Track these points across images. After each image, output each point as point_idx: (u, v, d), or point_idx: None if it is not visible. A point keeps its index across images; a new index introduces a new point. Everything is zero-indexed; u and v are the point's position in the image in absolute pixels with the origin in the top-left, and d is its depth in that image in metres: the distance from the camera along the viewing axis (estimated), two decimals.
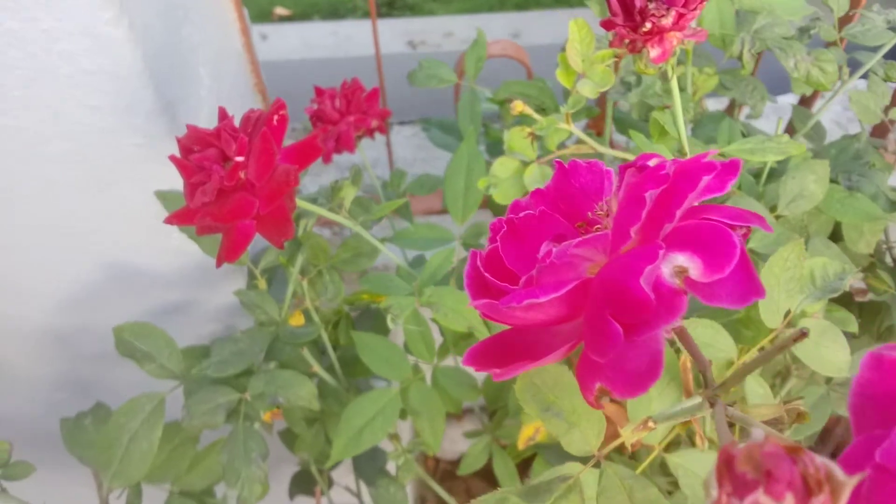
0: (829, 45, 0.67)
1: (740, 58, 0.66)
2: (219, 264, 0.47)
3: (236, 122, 0.47)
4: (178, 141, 0.47)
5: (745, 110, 0.95)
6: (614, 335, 0.21)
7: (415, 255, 0.80)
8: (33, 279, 0.71)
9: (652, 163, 0.24)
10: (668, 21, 0.47)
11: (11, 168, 0.60)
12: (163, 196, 0.63)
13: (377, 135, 0.79)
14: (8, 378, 0.83)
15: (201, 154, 0.46)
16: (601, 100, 0.83)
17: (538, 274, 0.23)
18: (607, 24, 0.52)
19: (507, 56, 0.95)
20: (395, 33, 2.87)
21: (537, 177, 0.55)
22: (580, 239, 0.22)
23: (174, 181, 0.64)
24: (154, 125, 0.58)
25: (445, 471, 1.45)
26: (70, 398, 0.88)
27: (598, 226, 0.26)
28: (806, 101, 0.90)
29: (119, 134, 0.58)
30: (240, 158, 0.45)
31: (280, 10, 2.99)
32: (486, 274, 0.26)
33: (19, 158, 0.59)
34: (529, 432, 0.57)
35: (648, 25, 0.47)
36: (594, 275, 0.23)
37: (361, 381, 0.81)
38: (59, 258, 0.69)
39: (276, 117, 0.47)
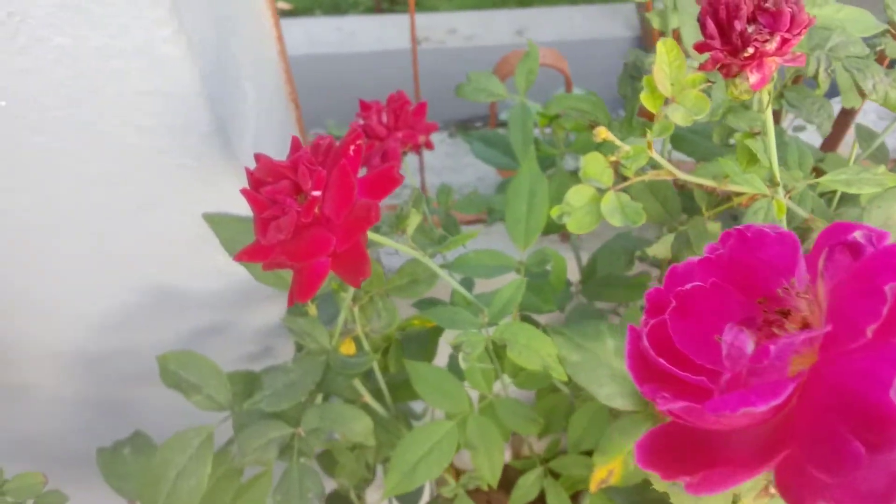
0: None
1: (815, 77, 0.63)
2: (290, 303, 0.44)
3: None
4: (249, 173, 0.44)
5: (789, 120, 0.92)
6: (855, 455, 0.18)
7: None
8: (67, 302, 0.68)
9: (859, 236, 0.21)
10: (771, 46, 0.44)
11: (49, 190, 0.56)
12: (211, 219, 0.60)
13: None
14: (35, 399, 0.80)
15: (274, 187, 0.43)
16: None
17: (748, 375, 0.20)
18: (702, 47, 0.49)
19: (547, 65, 0.92)
20: (399, 29, 2.83)
21: (615, 206, 0.52)
22: (805, 335, 0.19)
23: (221, 203, 0.61)
24: (207, 146, 0.55)
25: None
26: (98, 418, 0.85)
27: (789, 308, 0.23)
28: (846, 114, 0.87)
29: (168, 155, 0.55)
30: (316, 193, 0.42)
31: (281, 5, 2.94)
32: (659, 359, 0.23)
33: (58, 180, 0.56)
34: (602, 474, 0.54)
35: (751, 50, 0.44)
36: (801, 373, 0.20)
37: (402, 405, 0.78)
38: (96, 280, 0.66)
39: (352, 147, 0.43)
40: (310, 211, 0.42)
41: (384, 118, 0.74)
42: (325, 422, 0.59)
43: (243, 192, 0.43)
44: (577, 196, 0.53)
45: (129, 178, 0.56)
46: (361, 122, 0.75)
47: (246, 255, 0.44)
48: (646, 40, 2.66)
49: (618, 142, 0.50)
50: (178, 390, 0.60)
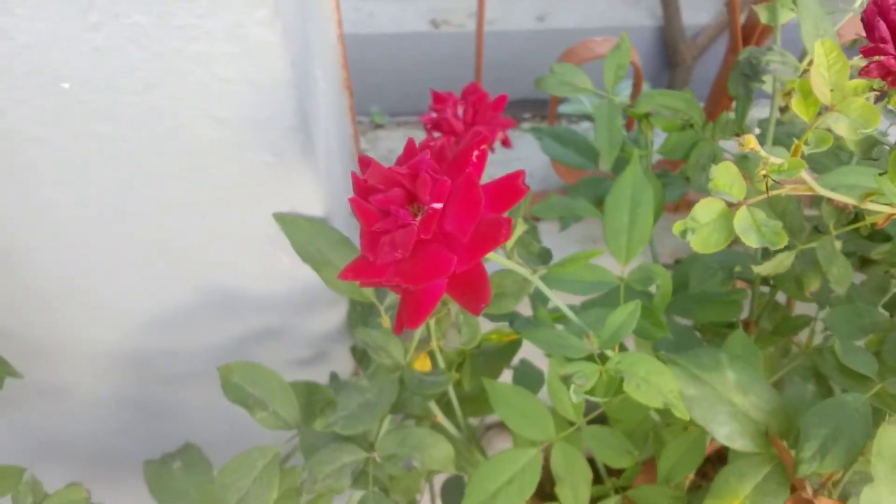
0: None
1: None
2: (398, 329, 0.39)
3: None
4: (356, 180, 0.38)
5: None
6: None
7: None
8: (116, 301, 0.63)
9: None
10: None
11: (111, 184, 0.51)
12: (283, 220, 0.54)
13: None
14: (72, 399, 0.75)
15: (386, 196, 0.37)
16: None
17: None
18: (870, 51, 0.43)
19: None
20: (417, 11, 2.75)
21: (748, 223, 0.46)
22: None
23: (294, 202, 0.55)
24: (288, 141, 0.49)
25: None
26: (136, 419, 0.80)
27: None
28: None
29: (248, 151, 0.49)
30: (437, 205, 0.36)
31: None
32: None
33: (120, 173, 0.50)
34: None
35: None
36: None
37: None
38: (150, 279, 0.60)
39: (475, 153, 0.38)
40: (429, 226, 0.36)
41: (460, 112, 0.68)
42: (403, 448, 0.53)
43: (352, 201, 0.37)
44: (705, 211, 0.47)
45: (201, 174, 0.50)
46: (434, 115, 0.69)
47: (351, 274, 0.38)
48: (667, 30, 2.59)
49: (763, 152, 0.44)
50: (241, 405, 0.54)
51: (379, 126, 1.17)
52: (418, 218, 0.37)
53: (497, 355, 0.67)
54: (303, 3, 0.52)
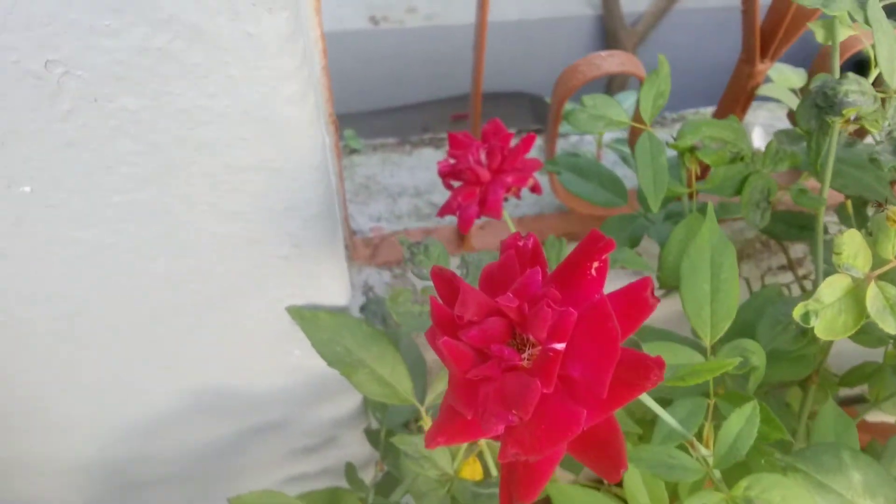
0: None
1: None
2: (505, 502, 0.29)
3: None
4: (436, 308, 0.29)
5: None
6: None
7: None
8: (94, 417, 0.52)
9: None
10: None
11: (92, 296, 0.40)
12: (301, 316, 0.44)
13: None
14: None
15: (483, 330, 0.28)
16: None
17: None
18: None
19: (626, 72, 0.77)
20: (355, 8, 2.64)
21: (881, 303, 0.38)
22: None
23: (313, 294, 0.45)
24: (312, 230, 0.39)
25: None
26: None
27: None
28: None
29: (261, 245, 0.39)
30: (560, 346, 0.27)
31: None
32: None
33: (106, 284, 0.39)
34: None
35: None
36: None
37: None
38: (134, 392, 0.50)
39: (595, 266, 0.28)
40: (551, 374, 0.27)
41: (483, 157, 0.59)
42: None
43: (441, 344, 0.27)
44: (830, 290, 0.39)
45: (205, 274, 0.40)
46: (453, 161, 0.59)
47: (443, 437, 0.29)
48: (607, 19, 2.55)
49: None
50: None
51: (354, 151, 1.07)
52: (525, 357, 0.28)
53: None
54: (310, 57, 0.42)
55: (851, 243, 0.38)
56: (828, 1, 0.50)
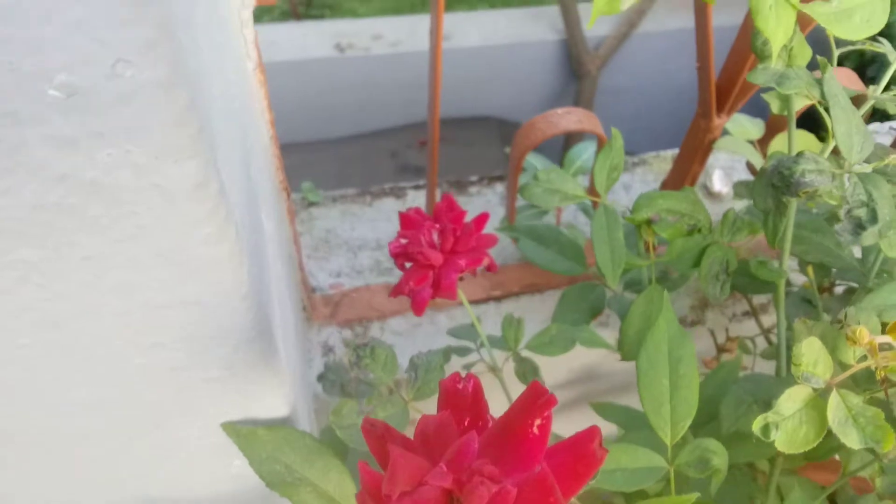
0: None
1: None
2: None
3: None
4: (364, 475, 0.26)
5: None
6: None
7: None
8: None
9: None
10: None
11: (25, 420, 0.37)
12: (236, 433, 0.42)
13: None
14: None
15: (414, 500, 0.25)
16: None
17: None
18: None
19: (583, 130, 0.76)
20: (320, 35, 2.63)
21: (843, 414, 0.37)
22: None
23: (249, 407, 0.43)
24: (245, 353, 0.37)
25: None
26: None
27: None
28: None
29: (189, 371, 0.36)
30: None
31: None
32: None
33: (36, 410, 0.37)
34: None
35: None
36: None
37: None
38: (75, 499, 0.46)
39: (537, 424, 0.26)
40: None
41: (436, 238, 0.57)
42: None
43: None
44: (790, 401, 0.37)
45: (133, 400, 0.37)
46: (403, 241, 0.57)
47: None
48: (570, 43, 2.56)
49: (869, 337, 0.34)
50: None
51: (312, 204, 1.04)
52: None
53: None
54: (247, 159, 0.40)
55: (810, 351, 0.36)
56: (781, 79, 0.49)
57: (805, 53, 0.53)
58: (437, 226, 0.57)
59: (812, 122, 0.67)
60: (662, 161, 1.13)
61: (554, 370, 0.80)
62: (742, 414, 0.55)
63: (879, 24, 0.50)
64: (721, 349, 0.86)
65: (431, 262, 0.55)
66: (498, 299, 0.95)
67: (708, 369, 0.98)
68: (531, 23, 2.74)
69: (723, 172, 1.09)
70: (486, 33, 2.69)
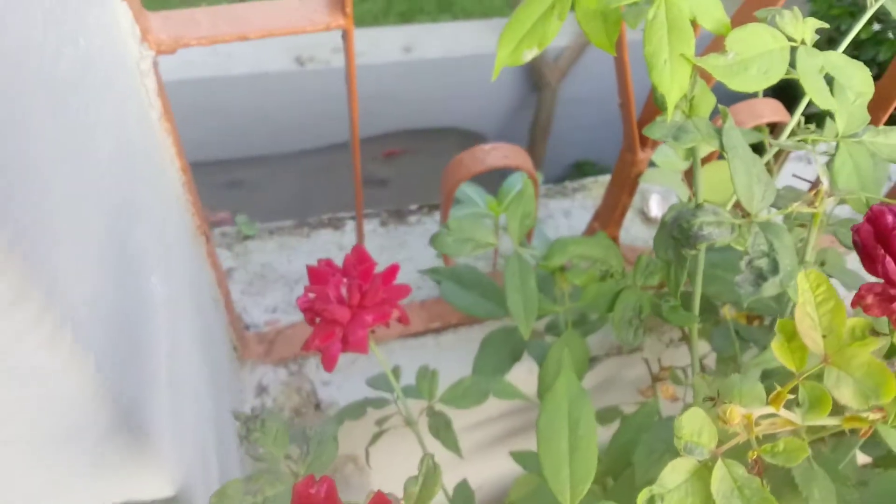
0: None
1: None
2: None
3: None
4: None
5: None
6: None
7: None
8: None
9: None
10: None
11: None
12: None
13: None
14: None
15: None
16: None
17: None
18: (878, 295, 0.33)
19: (510, 166, 0.76)
20: (280, 49, 2.61)
21: (729, 485, 0.36)
22: None
23: (130, 489, 0.41)
24: (111, 442, 0.35)
25: None
26: None
27: None
28: None
29: (46, 467, 0.35)
30: None
31: None
32: None
33: None
34: None
35: None
36: None
37: None
38: None
39: None
40: None
41: (344, 292, 0.55)
42: None
43: None
44: (674, 473, 0.37)
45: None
46: (311, 296, 0.56)
47: None
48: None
49: (741, 412, 0.34)
50: None
51: (248, 237, 1.03)
52: None
53: None
54: (130, 207, 0.39)
55: (691, 423, 0.36)
56: (678, 133, 0.49)
57: (709, 101, 0.53)
58: (345, 280, 0.56)
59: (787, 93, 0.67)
60: (601, 186, 1.13)
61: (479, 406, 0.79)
62: (654, 462, 0.54)
63: (778, 75, 0.49)
64: (655, 378, 0.86)
65: (338, 318, 0.54)
66: (437, 331, 0.95)
67: (645, 398, 0.98)
68: (493, 34, 2.75)
69: (660, 197, 1.09)
70: (449, 45, 2.70)
